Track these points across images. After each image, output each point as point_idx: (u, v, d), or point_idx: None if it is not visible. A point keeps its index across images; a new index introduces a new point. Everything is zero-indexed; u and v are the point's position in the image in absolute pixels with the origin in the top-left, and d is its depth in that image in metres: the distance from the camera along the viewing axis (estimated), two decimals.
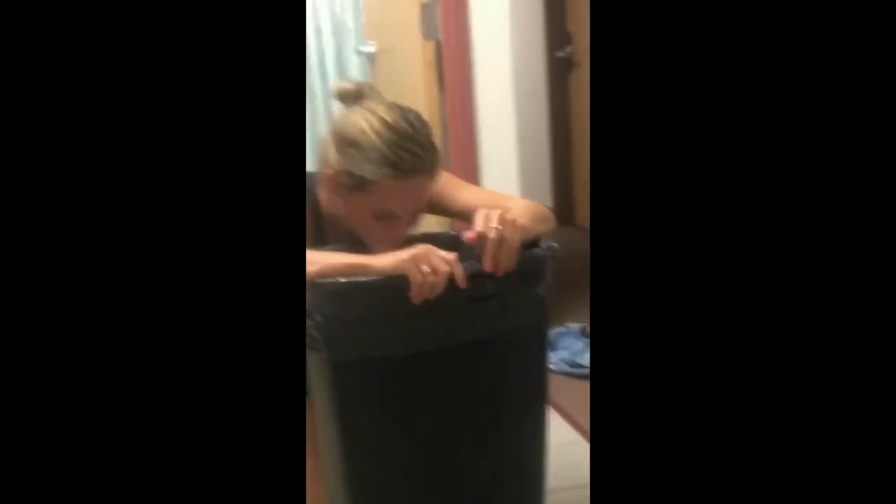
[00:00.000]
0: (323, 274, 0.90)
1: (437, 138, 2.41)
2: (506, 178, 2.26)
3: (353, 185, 1.01)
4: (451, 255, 0.90)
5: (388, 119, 1.00)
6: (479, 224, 0.93)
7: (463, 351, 0.94)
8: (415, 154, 1.00)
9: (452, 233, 1.13)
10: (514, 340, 0.97)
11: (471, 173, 2.27)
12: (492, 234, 0.91)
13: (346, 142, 1.02)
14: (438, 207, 1.18)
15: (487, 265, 0.92)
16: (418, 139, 1.01)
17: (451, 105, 2.35)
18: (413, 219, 1.06)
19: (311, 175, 1.11)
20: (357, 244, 1.07)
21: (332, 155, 1.03)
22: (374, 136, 1.00)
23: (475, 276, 0.91)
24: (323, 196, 1.09)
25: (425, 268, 0.88)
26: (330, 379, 0.92)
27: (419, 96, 2.36)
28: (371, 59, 2.89)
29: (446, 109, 2.38)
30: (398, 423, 0.94)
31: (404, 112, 1.02)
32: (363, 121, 1.01)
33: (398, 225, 1.04)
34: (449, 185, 1.18)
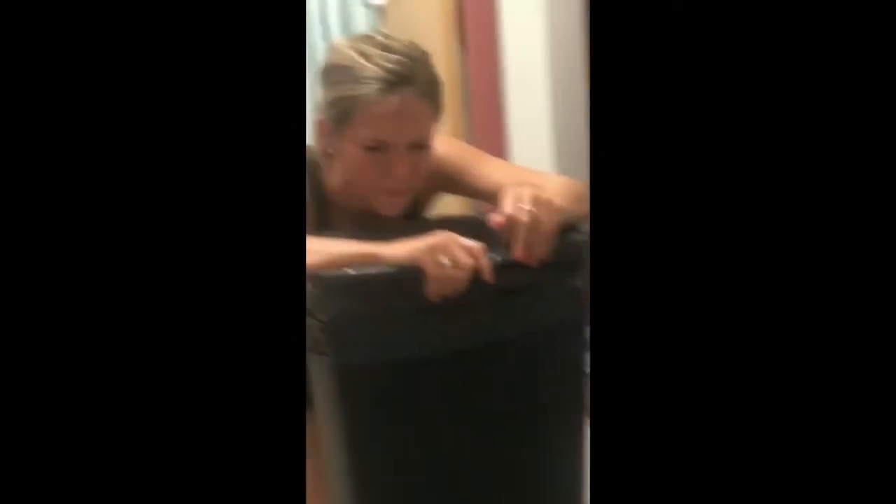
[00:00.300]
0: (327, 265, 0.89)
1: (457, 102, 2.41)
2: (538, 150, 2.24)
3: (341, 115, 1.04)
4: (475, 245, 0.89)
5: (375, 37, 1.06)
6: (507, 205, 0.92)
7: (490, 353, 0.93)
8: (402, 64, 1.02)
9: (476, 216, 1.12)
10: (549, 341, 0.97)
11: (497, 144, 2.25)
12: (523, 217, 0.90)
13: (331, 71, 1.07)
14: (459, 185, 1.17)
15: (518, 253, 0.91)
16: (408, 52, 1.05)
17: (474, 64, 2.32)
18: (413, 162, 1.06)
19: (310, 150, 1.11)
20: (365, 228, 1.06)
21: (321, 96, 1.07)
22: (357, 55, 1.05)
23: (504, 267, 0.90)
24: (317, 147, 1.12)
25: (445, 260, 0.87)
26: (336, 386, 0.92)
27: (437, 54, 2.34)
28: (380, 11, 2.87)
29: (468, 69, 2.35)
30: (415, 437, 0.94)
31: (397, 38, 1.08)
32: (348, 47, 1.06)
33: (397, 164, 1.04)
34: (471, 158, 1.17)
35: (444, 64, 2.33)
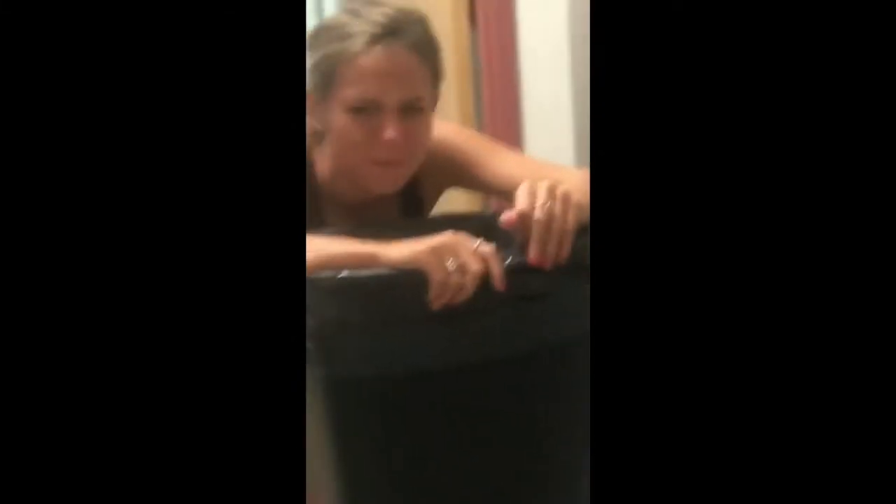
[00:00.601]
0: (319, 266, 0.90)
1: (466, 86, 2.41)
2: (556, 140, 2.24)
3: (326, 78, 1.06)
4: (485, 247, 0.89)
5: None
6: (521, 201, 0.92)
7: (500, 368, 0.93)
8: (390, 17, 1.05)
9: (487, 213, 1.13)
10: (566, 355, 0.97)
11: (510, 133, 2.26)
12: (538, 215, 0.90)
13: (317, 33, 1.10)
14: (468, 178, 1.18)
15: (533, 255, 0.91)
16: (400, 8, 1.07)
17: (486, 44, 2.33)
18: (407, 126, 1.07)
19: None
20: (362, 225, 1.07)
21: (308, 63, 1.09)
22: (345, 14, 1.09)
23: (517, 272, 0.90)
24: (309, 123, 1.13)
25: (450, 264, 0.87)
26: (325, 401, 0.92)
27: (445, 31, 2.35)
28: None
29: (480, 50, 2.36)
30: (412, 458, 0.94)
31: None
32: (339, 10, 1.14)
33: (387, 126, 1.05)
34: (482, 149, 1.18)
35: (452, 44, 2.33)
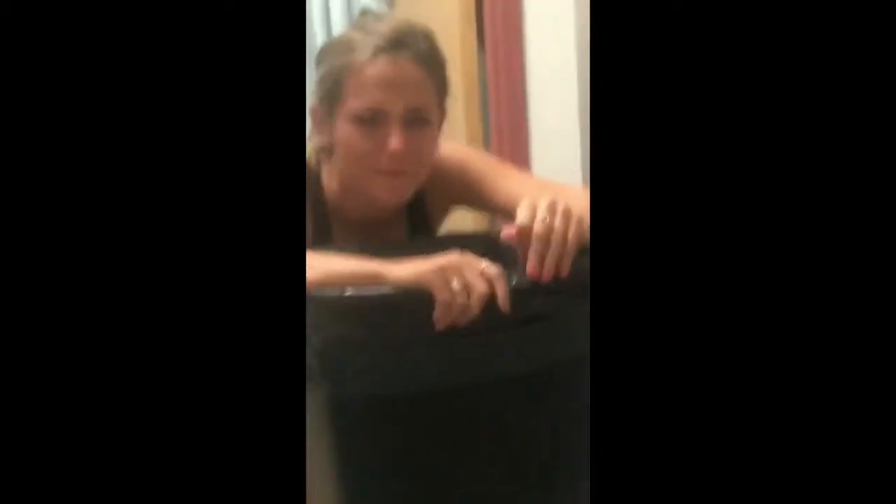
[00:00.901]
0: (323, 283, 0.90)
1: (475, 107, 2.42)
2: (564, 160, 2.24)
3: (333, 91, 1.08)
4: (491, 268, 0.89)
5: (376, 12, 1.17)
6: (521, 216, 0.92)
7: (504, 389, 0.93)
8: (397, 30, 1.07)
9: (493, 233, 1.13)
10: (569, 375, 0.96)
11: (518, 153, 2.26)
12: (538, 229, 0.90)
13: (325, 49, 1.13)
14: (475, 198, 1.18)
15: (530, 268, 0.90)
16: (407, 23, 1.09)
17: (494, 63, 2.34)
18: (411, 137, 1.07)
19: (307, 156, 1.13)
20: (369, 243, 1.07)
21: (315, 81, 1.11)
22: (352, 29, 1.13)
23: (523, 293, 0.90)
24: (314, 137, 1.15)
25: (456, 284, 0.87)
26: (329, 420, 0.92)
27: (453, 52, 2.36)
28: (390, 2, 2.90)
29: (487, 69, 2.37)
30: (416, 480, 0.94)
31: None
32: (348, 26, 1.18)
33: (391, 136, 1.06)
34: (489, 169, 1.18)
35: (460, 65, 2.35)
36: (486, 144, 2.35)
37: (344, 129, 1.08)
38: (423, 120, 1.09)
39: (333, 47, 1.13)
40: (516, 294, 0.89)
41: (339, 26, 2.94)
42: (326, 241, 1.12)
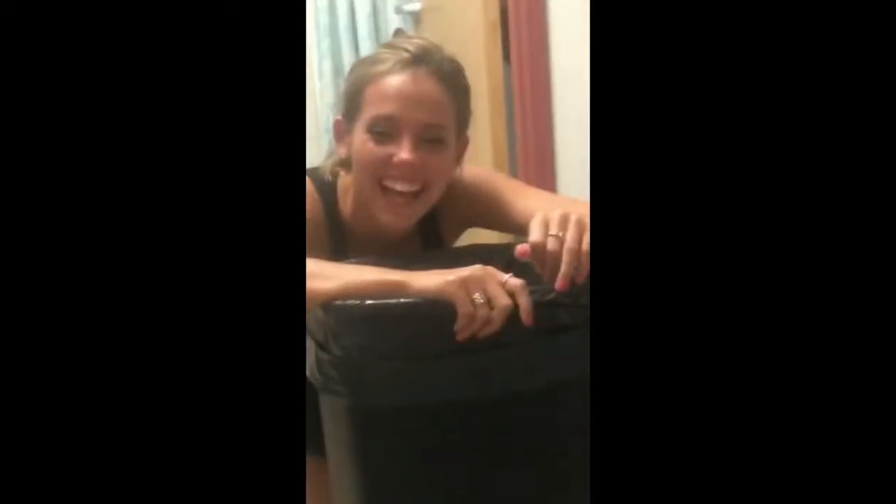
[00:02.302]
0: (345, 293, 0.91)
1: (500, 123, 2.42)
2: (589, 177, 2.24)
3: (354, 101, 1.11)
4: (515, 282, 0.89)
5: (406, 32, 1.17)
6: (534, 233, 0.93)
7: (528, 401, 0.93)
8: (421, 48, 1.10)
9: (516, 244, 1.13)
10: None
11: (544, 170, 2.26)
12: (550, 245, 0.91)
13: (354, 66, 1.19)
14: (490, 218, 1.19)
15: (551, 278, 0.91)
16: (434, 43, 1.13)
17: (520, 79, 2.35)
18: (423, 153, 1.08)
19: (324, 170, 1.14)
20: (387, 253, 1.07)
21: (340, 93, 1.18)
22: (382, 48, 1.17)
23: (547, 306, 0.90)
24: (336, 150, 1.18)
25: (479, 297, 0.88)
26: (350, 431, 0.93)
27: (478, 68, 2.37)
28: (416, 18, 2.92)
29: (513, 85, 2.38)
30: (436, 491, 0.94)
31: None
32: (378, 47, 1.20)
33: (402, 149, 1.07)
34: (510, 189, 1.18)
35: (485, 80, 2.36)
36: (513, 164, 2.35)
37: (359, 138, 1.10)
38: (438, 140, 1.10)
39: (362, 62, 1.17)
40: (539, 308, 0.90)
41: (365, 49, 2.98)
42: (345, 256, 1.13)
